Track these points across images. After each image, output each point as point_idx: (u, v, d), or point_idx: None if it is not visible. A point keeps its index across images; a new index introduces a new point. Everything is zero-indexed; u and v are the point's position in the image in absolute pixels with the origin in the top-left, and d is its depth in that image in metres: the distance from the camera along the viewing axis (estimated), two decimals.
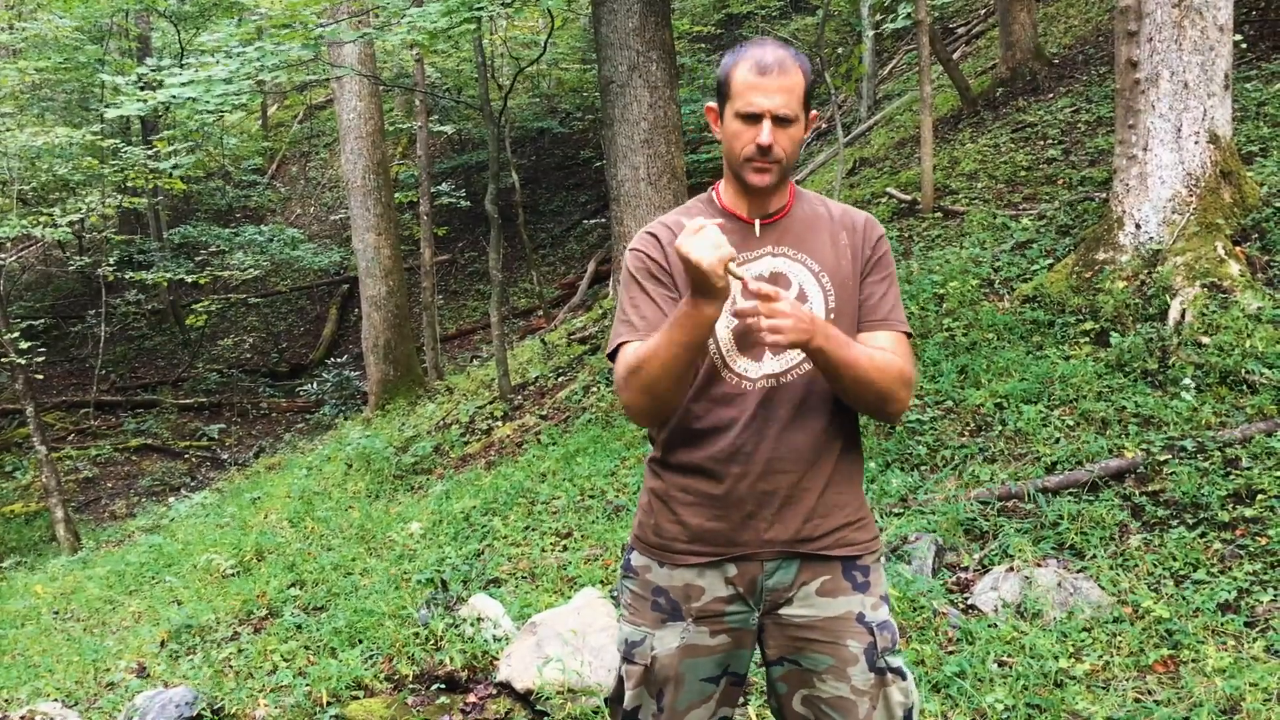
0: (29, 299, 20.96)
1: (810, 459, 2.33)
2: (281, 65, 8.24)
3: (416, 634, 4.57)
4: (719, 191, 2.46)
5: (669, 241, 2.42)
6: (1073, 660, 3.98)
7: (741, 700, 3.95)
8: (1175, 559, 4.46)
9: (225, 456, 15.51)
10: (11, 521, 13.74)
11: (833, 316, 2.33)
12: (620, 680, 2.46)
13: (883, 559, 2.46)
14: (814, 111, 2.41)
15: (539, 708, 3.97)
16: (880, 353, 2.30)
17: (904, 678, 2.36)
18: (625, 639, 2.45)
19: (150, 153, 14.57)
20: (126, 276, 16.62)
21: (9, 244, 15.74)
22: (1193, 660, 3.89)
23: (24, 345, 11.82)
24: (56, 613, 7.26)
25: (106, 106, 11.72)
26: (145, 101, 7.47)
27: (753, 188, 2.35)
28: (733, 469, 2.32)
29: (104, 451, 15.99)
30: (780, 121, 2.28)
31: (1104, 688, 3.82)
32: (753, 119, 2.28)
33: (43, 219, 13.51)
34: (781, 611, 2.37)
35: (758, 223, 2.40)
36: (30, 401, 11.84)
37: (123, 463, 15.91)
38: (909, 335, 2.42)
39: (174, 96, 7.32)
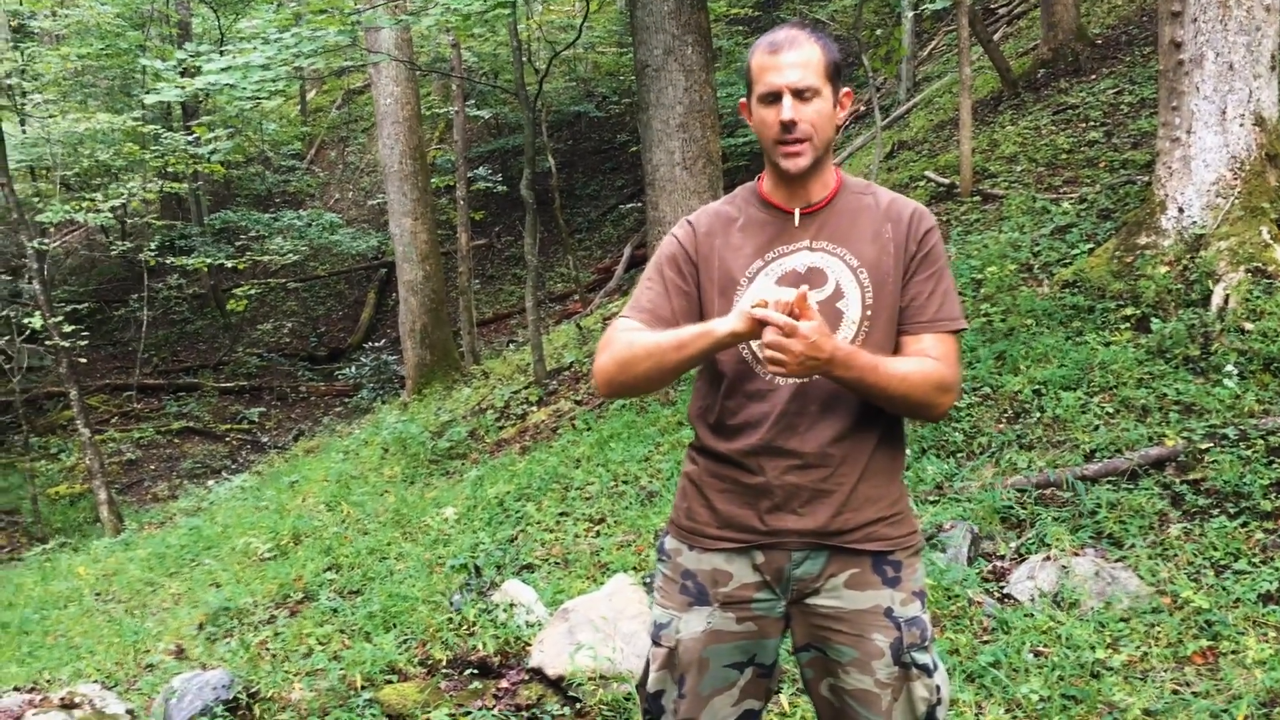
0: (73, 283, 21.22)
1: (843, 454, 2.31)
2: (318, 51, 8.26)
3: (450, 619, 4.59)
4: (762, 181, 2.43)
5: (706, 232, 2.42)
6: (1110, 651, 3.93)
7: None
8: (1216, 549, 4.40)
9: (265, 440, 15.67)
10: (57, 503, 13.97)
11: (869, 313, 2.30)
12: (648, 663, 2.46)
13: (920, 554, 2.43)
14: (847, 89, 2.36)
15: (571, 694, 3.98)
16: (916, 365, 2.25)
17: (930, 675, 2.33)
18: (654, 621, 2.46)
19: (191, 139, 14.70)
20: (168, 261, 16.79)
21: (52, 229, 15.95)
22: (1232, 652, 3.84)
23: (68, 329, 11.97)
24: (98, 594, 7.36)
25: (147, 93, 11.82)
26: (183, 88, 7.53)
27: (788, 173, 2.32)
28: (763, 462, 2.31)
29: (146, 434, 16.19)
30: (801, 96, 2.24)
31: (1141, 679, 3.78)
32: (773, 98, 2.26)
33: (85, 204, 13.66)
34: (808, 601, 2.35)
35: (797, 212, 2.36)
36: (74, 385, 11.98)
37: (165, 445, 16.12)
38: (960, 331, 2.36)
39: (211, 83, 7.37)
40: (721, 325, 2.17)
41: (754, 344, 2.29)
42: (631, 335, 2.31)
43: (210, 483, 12.34)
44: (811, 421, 2.30)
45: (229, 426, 16.47)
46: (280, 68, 7.48)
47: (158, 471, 15.24)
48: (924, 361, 2.27)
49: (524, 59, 14.60)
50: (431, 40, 17.81)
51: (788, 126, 2.25)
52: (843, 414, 2.31)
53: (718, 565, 2.38)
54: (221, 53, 9.35)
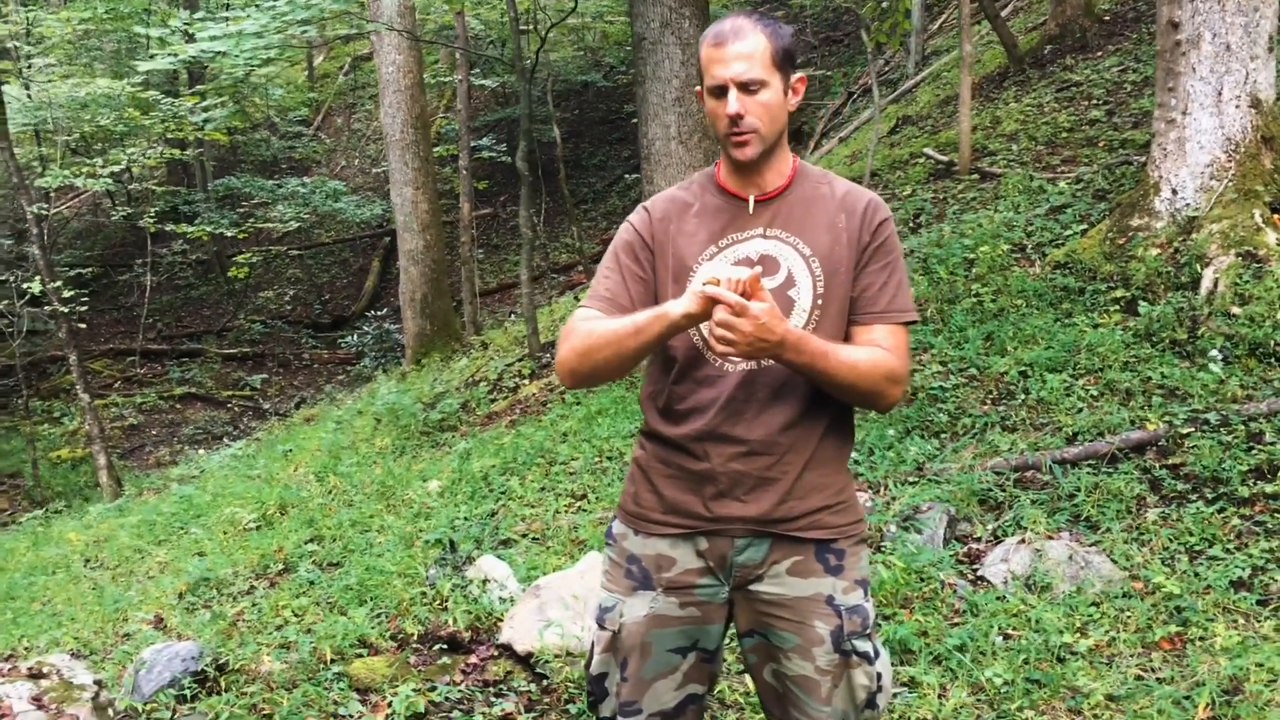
0: (79, 247, 21.25)
1: (788, 442, 2.31)
2: (313, 18, 8.22)
3: (423, 593, 4.61)
4: (719, 167, 2.43)
5: (661, 218, 2.42)
6: (1078, 635, 3.94)
7: (741, 670, 3.95)
8: (1191, 534, 4.39)
9: (267, 406, 15.71)
10: (58, 466, 14.03)
11: (820, 303, 2.30)
12: (593, 645, 2.48)
13: (865, 543, 2.44)
14: (800, 75, 2.35)
15: (539, 670, 4.00)
16: (867, 354, 2.25)
17: (871, 662, 2.34)
18: (600, 604, 2.48)
19: (189, 107, 14.65)
20: (167, 228, 16.78)
21: (53, 194, 15.95)
22: (1200, 638, 3.84)
23: (67, 294, 11.99)
24: (88, 560, 7.39)
25: (151, 57, 11.77)
26: (176, 55, 7.50)
27: (738, 163, 2.32)
28: (709, 448, 2.32)
29: (149, 399, 16.25)
30: (746, 89, 2.23)
31: (1107, 663, 3.78)
32: (720, 91, 2.26)
33: (85, 169, 13.63)
34: (751, 587, 2.37)
35: (752, 199, 2.36)
36: (73, 350, 12.00)
37: (167, 410, 16.18)
38: (911, 323, 2.36)
39: (204, 50, 7.33)
40: (675, 307, 2.17)
41: (704, 328, 2.29)
42: (590, 324, 2.31)
43: (201, 450, 12.37)
44: (759, 409, 2.30)
45: (231, 393, 16.51)
46: (273, 35, 7.43)
47: (159, 437, 15.31)
48: (875, 351, 2.27)
49: (527, 28, 14.50)
50: (437, 8, 17.71)
51: (733, 120, 2.25)
52: (791, 402, 2.31)
53: (662, 550, 2.39)
54: (228, 20, 9.31)
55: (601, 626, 2.44)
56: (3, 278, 13.35)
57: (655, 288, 2.38)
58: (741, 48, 2.23)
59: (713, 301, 2.09)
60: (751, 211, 2.36)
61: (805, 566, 2.34)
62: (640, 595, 2.40)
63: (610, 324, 2.27)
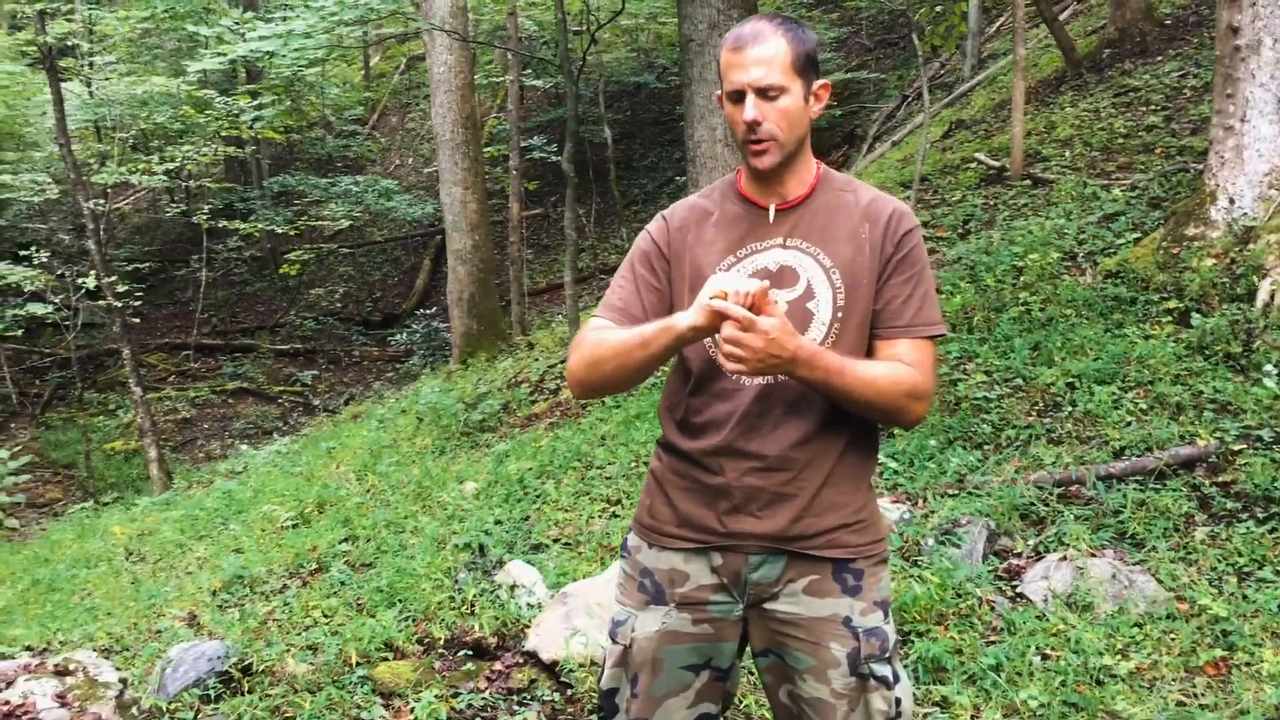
0: (138, 242, 21.58)
1: (805, 457, 2.24)
2: (365, 19, 8.24)
3: (451, 598, 4.57)
4: (740, 175, 2.36)
5: (679, 226, 2.37)
6: (1119, 657, 3.82)
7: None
8: (1240, 554, 4.26)
9: (316, 402, 15.83)
10: (112, 458, 14.23)
11: (840, 316, 2.23)
12: (605, 659, 2.43)
13: (886, 563, 2.36)
14: (823, 81, 2.28)
15: (563, 679, 3.95)
16: (887, 370, 2.17)
17: (889, 687, 2.26)
18: (612, 617, 2.43)
19: (243, 106, 14.81)
20: (221, 225, 16.99)
21: (110, 190, 16.20)
22: (1246, 663, 3.71)
23: (122, 288, 12.16)
24: (130, 554, 7.45)
25: (201, 57, 11.91)
26: (224, 55, 7.56)
27: (758, 171, 2.26)
28: (724, 463, 2.26)
29: (202, 393, 16.45)
30: (765, 95, 2.17)
31: (1148, 688, 3.67)
32: (738, 97, 2.19)
33: (141, 166, 13.84)
34: (766, 606, 2.30)
35: (772, 208, 2.30)
36: (127, 344, 12.18)
37: (219, 405, 16.36)
38: (938, 337, 2.27)
39: (253, 50, 7.38)
40: (682, 319, 2.11)
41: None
42: (600, 334, 2.27)
43: (246, 446, 12.48)
44: (775, 423, 2.24)
45: (282, 388, 16.67)
46: (321, 35, 7.45)
47: (211, 431, 15.48)
48: (896, 366, 2.19)
49: (579, 29, 14.49)
50: (490, 8, 17.75)
51: (751, 126, 2.19)
52: (809, 417, 2.23)
53: (675, 565, 2.33)
54: (285, 18, 9.38)
55: (613, 640, 2.40)
56: (60, 271, 13.57)
57: (671, 298, 2.33)
58: (760, 52, 2.17)
59: (720, 315, 2.03)
60: (772, 221, 2.30)
61: (822, 586, 2.27)
62: (652, 610, 2.34)
63: (619, 335, 2.22)
